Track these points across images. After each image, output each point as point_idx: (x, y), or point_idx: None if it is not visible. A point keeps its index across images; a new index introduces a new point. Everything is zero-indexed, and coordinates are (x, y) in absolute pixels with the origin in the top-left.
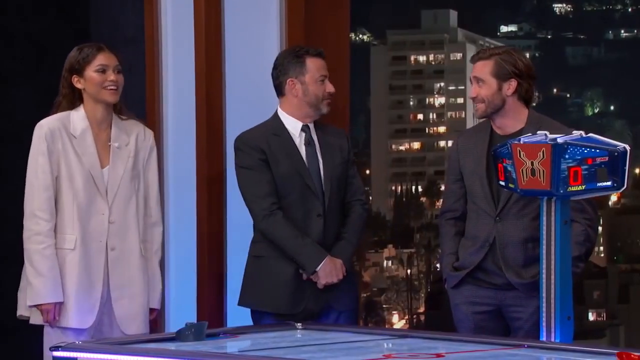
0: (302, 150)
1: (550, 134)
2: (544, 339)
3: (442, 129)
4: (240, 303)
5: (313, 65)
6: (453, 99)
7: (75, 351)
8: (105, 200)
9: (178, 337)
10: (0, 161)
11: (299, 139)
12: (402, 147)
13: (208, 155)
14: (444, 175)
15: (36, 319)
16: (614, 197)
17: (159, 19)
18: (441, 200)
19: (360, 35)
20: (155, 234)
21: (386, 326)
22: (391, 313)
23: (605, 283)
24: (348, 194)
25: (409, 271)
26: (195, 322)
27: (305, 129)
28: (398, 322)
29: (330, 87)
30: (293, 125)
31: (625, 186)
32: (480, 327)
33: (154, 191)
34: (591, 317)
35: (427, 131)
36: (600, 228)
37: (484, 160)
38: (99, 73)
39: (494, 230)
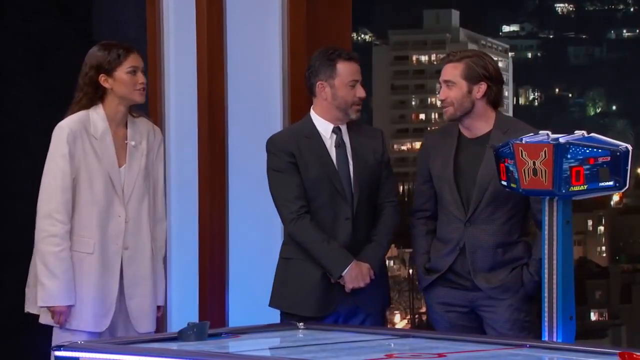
0: (333, 152)
1: (518, 134)
2: (546, 338)
3: None
4: (271, 304)
5: (344, 70)
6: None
7: (78, 351)
8: (121, 202)
9: (180, 337)
10: (1, 160)
11: (329, 141)
12: (404, 147)
13: (210, 155)
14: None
15: (46, 318)
16: (616, 197)
17: (161, 18)
18: None
19: (362, 35)
20: (160, 230)
21: (388, 326)
22: (393, 313)
23: (607, 283)
24: (380, 196)
25: (410, 271)
26: (197, 322)
27: (336, 130)
28: (400, 322)
29: (360, 92)
30: (324, 127)
31: (627, 186)
32: (456, 326)
33: (160, 187)
34: (593, 317)
35: (429, 130)
36: (602, 228)
37: (451, 164)
38: (130, 74)
39: (464, 235)
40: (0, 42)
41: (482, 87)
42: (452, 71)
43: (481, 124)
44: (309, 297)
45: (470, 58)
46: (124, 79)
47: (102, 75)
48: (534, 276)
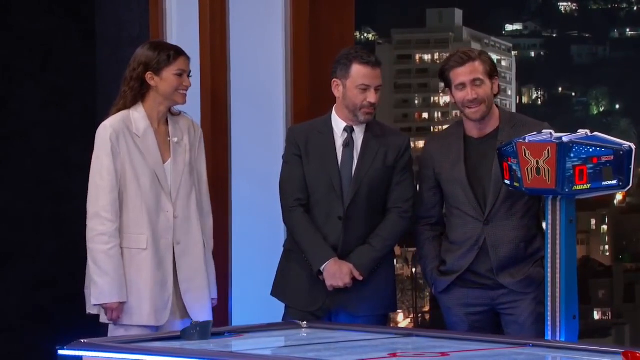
0: (340, 151)
1: (525, 129)
2: (549, 338)
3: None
4: (272, 293)
5: (357, 72)
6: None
7: (81, 350)
8: (169, 197)
9: (183, 336)
10: (6, 159)
11: (340, 139)
12: None
13: (213, 153)
14: (417, 181)
15: (103, 317)
16: (619, 196)
17: (164, 17)
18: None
19: (365, 34)
20: (208, 224)
21: (391, 325)
22: (396, 312)
23: (610, 282)
24: (389, 201)
25: (413, 270)
26: (200, 321)
27: (347, 129)
28: (403, 321)
29: (372, 98)
30: (337, 125)
31: (630, 185)
32: (475, 329)
33: (205, 182)
34: (596, 316)
35: (432, 130)
36: (605, 227)
37: (462, 165)
38: (177, 76)
39: (483, 233)
40: (5, 42)
41: (496, 83)
42: (479, 68)
43: (491, 121)
44: (300, 290)
45: (482, 55)
46: (170, 80)
47: (149, 72)
48: None
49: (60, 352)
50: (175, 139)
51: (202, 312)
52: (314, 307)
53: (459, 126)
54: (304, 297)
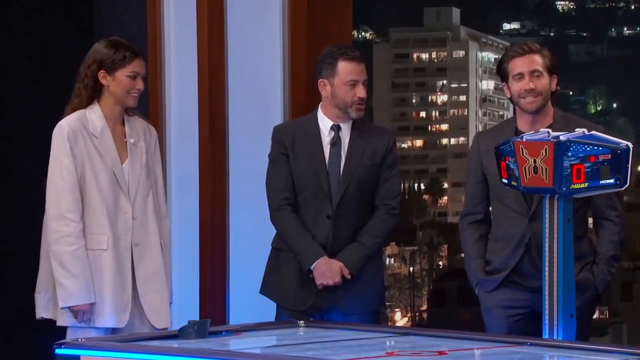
0: (327, 150)
1: (580, 129)
2: (547, 336)
3: (444, 126)
4: (260, 291)
5: (344, 69)
6: (456, 97)
7: (79, 348)
8: (127, 198)
9: (181, 334)
10: (5, 159)
11: (328, 138)
12: (404, 145)
13: (211, 152)
14: (465, 176)
15: (65, 320)
16: None
17: (162, 17)
18: (444, 198)
19: (363, 33)
20: (165, 228)
21: (389, 324)
22: (394, 311)
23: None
24: (377, 198)
25: (411, 269)
26: (198, 319)
27: (334, 128)
28: (401, 319)
29: (361, 92)
30: (325, 124)
31: (628, 184)
32: (514, 331)
33: (160, 185)
34: (594, 315)
35: (429, 129)
36: None
37: None
38: (129, 79)
39: (528, 230)
40: (3, 41)
41: (555, 80)
42: (539, 61)
43: (545, 118)
44: (289, 289)
45: (543, 50)
46: (122, 82)
47: (102, 71)
48: (606, 275)
49: (58, 351)
50: (132, 140)
51: (160, 315)
52: (304, 305)
53: (511, 121)
54: (293, 296)
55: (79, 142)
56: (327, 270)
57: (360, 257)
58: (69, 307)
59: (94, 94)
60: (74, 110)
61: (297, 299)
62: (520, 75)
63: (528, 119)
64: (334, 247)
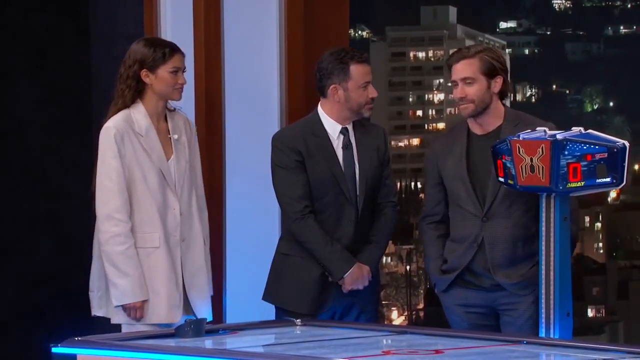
0: (340, 154)
1: (528, 127)
2: (544, 335)
3: (441, 125)
4: (264, 298)
5: (357, 72)
6: (452, 96)
7: (75, 347)
8: (174, 194)
9: (177, 333)
10: (2, 157)
11: (337, 141)
12: (401, 144)
13: (207, 153)
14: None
15: (119, 318)
16: (613, 194)
17: (158, 15)
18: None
19: (360, 32)
20: (205, 221)
21: (385, 322)
22: (390, 309)
23: (604, 279)
24: (380, 196)
25: (408, 267)
26: (195, 318)
27: (344, 131)
28: (397, 318)
29: (372, 92)
30: (332, 128)
31: (624, 182)
32: (476, 326)
33: (200, 178)
34: (590, 313)
35: (426, 127)
36: (599, 224)
37: (464, 162)
38: (172, 74)
39: (482, 231)
40: (0, 40)
41: (499, 81)
42: (470, 67)
43: (493, 119)
44: (305, 294)
45: (484, 52)
46: (166, 78)
47: (144, 70)
48: None
49: (54, 349)
50: (176, 136)
51: (204, 308)
52: (321, 310)
53: (464, 123)
54: (310, 302)
55: (126, 143)
56: (360, 276)
57: (378, 258)
58: (122, 306)
59: (137, 94)
60: (118, 110)
61: (315, 304)
62: (455, 83)
63: (475, 121)
64: (353, 248)
